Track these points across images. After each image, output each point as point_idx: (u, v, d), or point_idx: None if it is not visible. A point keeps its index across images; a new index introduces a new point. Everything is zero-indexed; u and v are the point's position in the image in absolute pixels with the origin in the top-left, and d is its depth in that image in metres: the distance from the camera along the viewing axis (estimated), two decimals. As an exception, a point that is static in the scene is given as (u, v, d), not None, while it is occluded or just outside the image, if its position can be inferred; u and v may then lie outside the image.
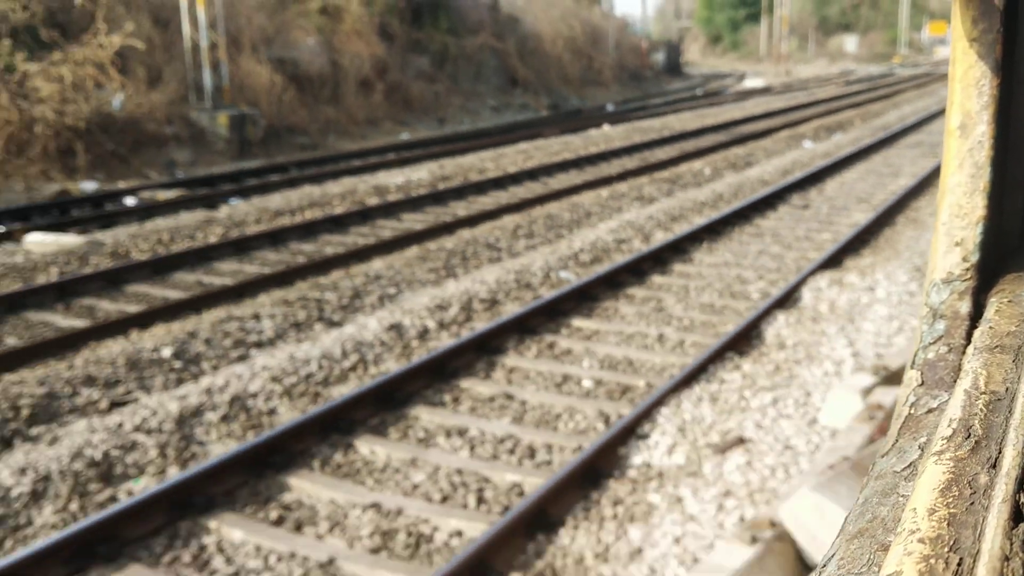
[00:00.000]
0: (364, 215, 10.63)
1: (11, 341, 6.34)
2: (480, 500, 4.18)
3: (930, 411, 0.80)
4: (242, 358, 5.82)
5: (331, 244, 9.39)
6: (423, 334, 6.31)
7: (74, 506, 4.07)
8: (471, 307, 6.87)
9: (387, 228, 10.16)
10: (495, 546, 3.67)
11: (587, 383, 5.52)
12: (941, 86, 32.22)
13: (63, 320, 6.88)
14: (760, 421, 4.68)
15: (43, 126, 13.45)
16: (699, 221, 9.90)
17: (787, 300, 6.91)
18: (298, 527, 3.97)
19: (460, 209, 11.17)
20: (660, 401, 4.96)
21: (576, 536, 3.80)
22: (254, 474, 4.36)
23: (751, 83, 37.97)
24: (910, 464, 0.72)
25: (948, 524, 0.57)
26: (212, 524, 3.95)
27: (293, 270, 7.86)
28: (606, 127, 20.22)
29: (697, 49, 77.98)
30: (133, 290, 7.70)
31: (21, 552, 3.61)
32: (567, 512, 4.00)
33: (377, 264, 8.13)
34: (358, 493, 4.20)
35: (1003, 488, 0.59)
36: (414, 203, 11.36)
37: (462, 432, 4.85)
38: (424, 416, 5.06)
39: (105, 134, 14.37)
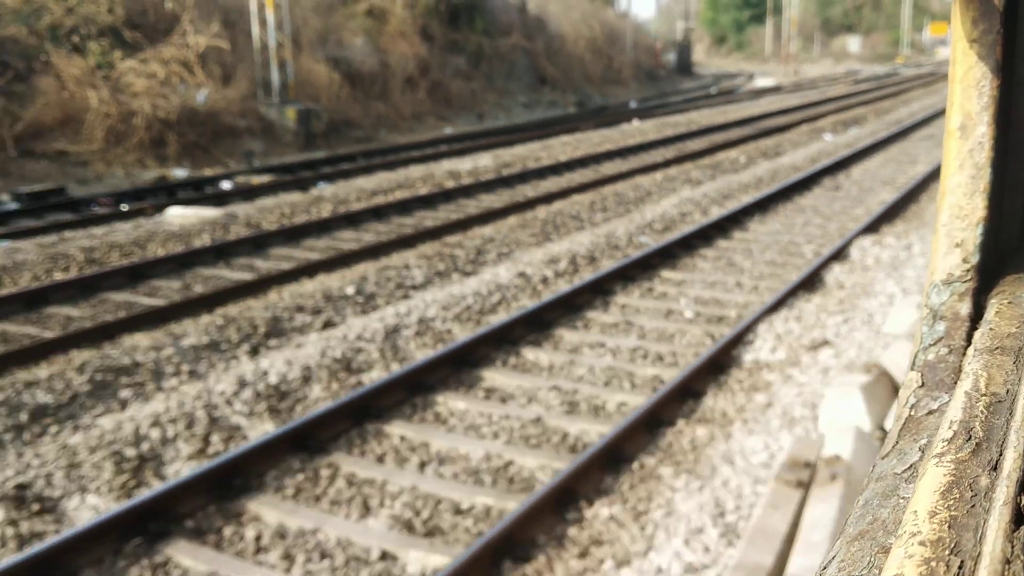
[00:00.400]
0: (446, 195, 12.00)
1: (206, 286, 7.72)
2: (632, 384, 5.55)
3: (930, 413, 0.79)
4: (406, 296, 7.20)
5: (427, 219, 10.77)
6: (544, 280, 7.69)
7: (334, 386, 5.45)
8: (575, 262, 8.26)
9: (469, 206, 11.53)
10: (660, 408, 5.05)
11: (688, 314, 6.90)
12: (945, 85, 33.27)
13: (231, 274, 8.25)
14: (838, 332, 6.07)
15: (140, 118, 14.83)
16: (747, 199, 11.28)
17: (839, 255, 8.30)
18: (503, 400, 5.35)
19: (528, 191, 12.54)
20: (756, 320, 6.35)
21: (716, 401, 5.19)
22: (455, 369, 5.73)
23: (761, 82, 39.39)
24: (910, 466, 0.71)
25: (949, 527, 0.56)
26: (440, 399, 5.32)
27: (417, 234, 9.24)
28: (636, 122, 21.62)
29: (702, 49, 79.26)
30: (276, 252, 9.08)
31: (311, 413, 4.98)
32: (706, 387, 5.38)
33: (487, 230, 9.53)
34: (539, 382, 5.57)
35: (1004, 490, 0.58)
36: (486, 185, 12.73)
37: (602, 344, 6.23)
38: (566, 335, 6.43)
39: (190, 126, 15.75)
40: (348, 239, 9.60)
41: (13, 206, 11.62)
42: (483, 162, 14.69)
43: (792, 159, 14.96)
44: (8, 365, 5.77)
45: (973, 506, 0.59)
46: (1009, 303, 0.92)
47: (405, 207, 11.23)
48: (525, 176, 13.55)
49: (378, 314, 6.58)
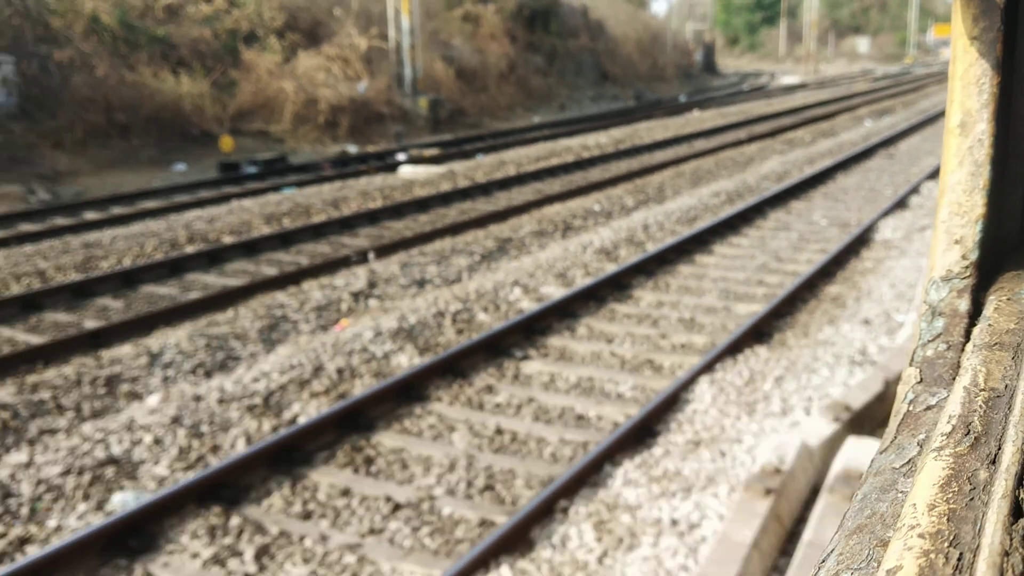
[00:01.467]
0: (589, 162, 15.46)
1: (474, 214, 11.19)
2: (806, 254, 9.02)
3: (929, 408, 0.80)
4: (599, 224, 10.68)
5: (586, 177, 14.23)
6: (710, 206, 11.18)
7: (626, 251, 8.93)
8: (720, 198, 11.74)
9: (607, 171, 14.98)
10: (833, 263, 8.52)
11: (823, 223, 10.38)
12: (956, 82, 37.31)
13: (484, 206, 11.70)
14: (929, 224, 9.59)
15: (323, 104, 18.32)
16: (828, 162, 14.77)
17: (913, 191, 11.80)
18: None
19: (644, 160, 15.99)
20: (876, 220, 9.84)
21: (861, 262, 8.69)
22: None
23: (787, 80, 42.93)
24: (909, 460, 0.72)
25: (948, 519, 0.57)
26: (676, 268, 8.79)
27: (588, 185, 12.70)
28: (696, 112, 25.13)
29: (715, 50, 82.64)
30: (499, 195, 12.53)
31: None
32: (855, 254, 8.87)
33: (636, 182, 13.03)
34: (734, 260, 9.03)
35: (1003, 484, 0.59)
36: (614, 155, 16.19)
37: (774, 237, 9.70)
38: (751, 231, 9.90)
39: (353, 112, 19.23)
40: (546, 188, 13.07)
41: (252, 169, 15.07)
42: (597, 140, 18.19)
43: (847, 137, 18.46)
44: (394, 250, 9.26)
45: (972, 499, 0.59)
46: (1008, 299, 0.93)
47: (564, 169, 14.69)
48: (640, 149, 17.02)
49: (615, 223, 10.07)
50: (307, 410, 5.22)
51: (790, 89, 35.59)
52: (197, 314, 7.05)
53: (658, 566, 3.60)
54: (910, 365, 0.88)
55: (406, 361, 5.98)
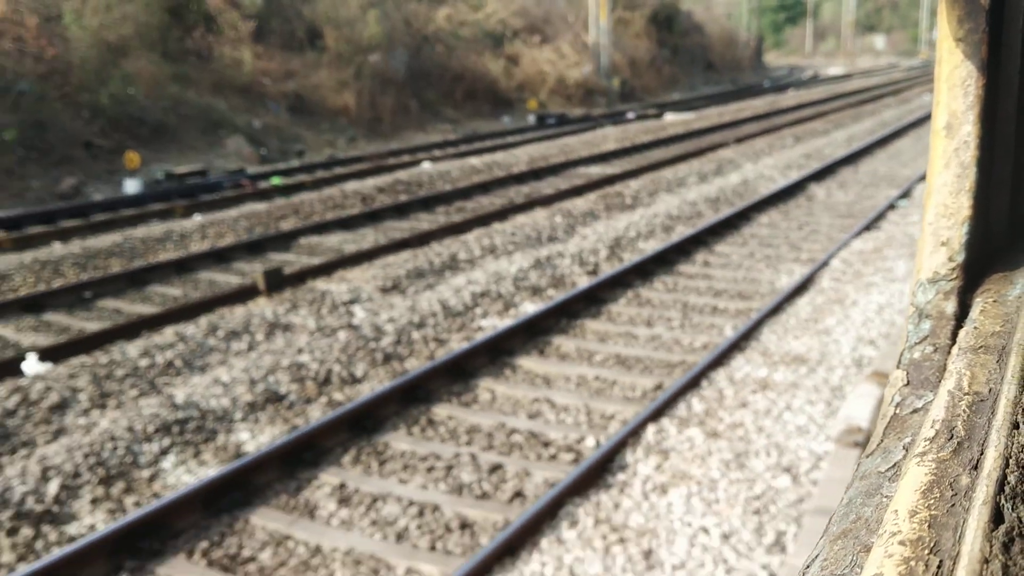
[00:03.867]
0: (755, 119, 25.03)
1: (708, 144, 20.84)
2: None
3: (915, 411, 0.80)
4: (789, 148, 20.28)
5: (750, 127, 23.77)
6: (826, 154, 20.83)
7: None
8: (808, 158, 21.34)
9: (775, 121, 24.50)
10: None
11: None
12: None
13: (710, 138, 21.30)
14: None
15: (570, 81, 27.94)
16: (920, 115, 24.31)
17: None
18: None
19: (775, 122, 25.47)
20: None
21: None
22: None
23: (832, 71, 52.48)
24: (894, 464, 0.72)
25: (929, 526, 0.57)
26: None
27: (763, 131, 22.27)
28: (791, 91, 34.73)
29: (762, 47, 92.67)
30: (711, 136, 22.09)
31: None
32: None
33: (783, 132, 22.72)
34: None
35: (984, 490, 0.59)
36: (763, 116, 25.77)
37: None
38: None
39: (580, 87, 28.84)
40: (738, 133, 22.62)
41: (552, 120, 24.61)
42: (756, 104, 27.84)
43: (917, 104, 28.07)
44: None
45: (953, 505, 0.59)
46: (994, 302, 0.93)
47: (732, 126, 24.25)
48: (781, 113, 26.60)
49: (804, 147, 19.70)
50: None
51: (842, 78, 45.15)
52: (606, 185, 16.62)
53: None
54: (897, 367, 0.88)
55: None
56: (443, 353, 6.47)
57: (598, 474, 4.61)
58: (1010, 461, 0.63)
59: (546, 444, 5.09)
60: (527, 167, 15.56)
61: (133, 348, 6.28)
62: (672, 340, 6.70)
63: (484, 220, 10.91)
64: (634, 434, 4.99)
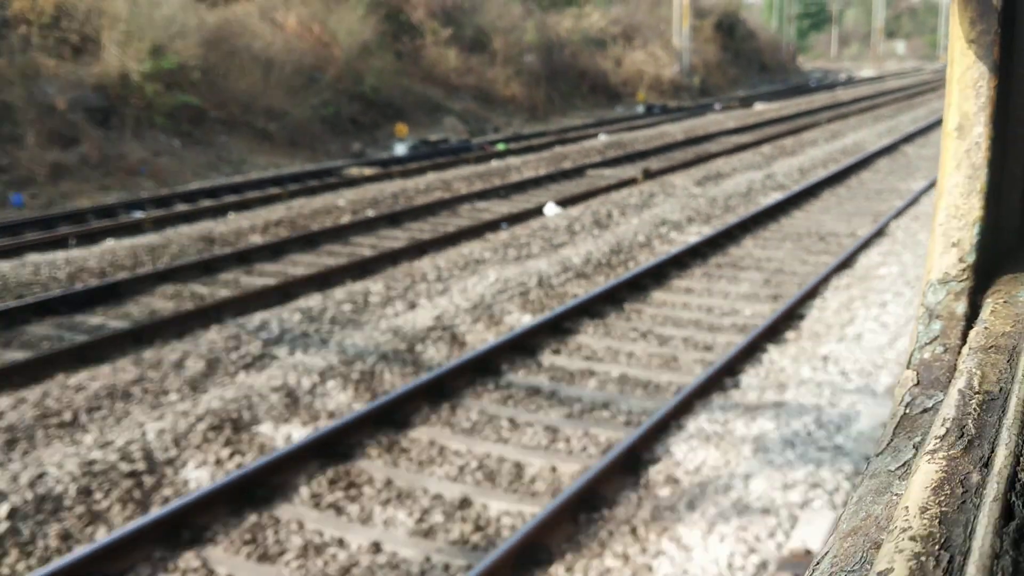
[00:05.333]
0: (817, 110, 30.47)
1: (799, 125, 26.39)
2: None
3: (925, 411, 0.81)
4: (866, 127, 25.78)
5: (828, 113, 29.25)
6: (894, 129, 26.34)
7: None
8: (890, 132, 26.84)
9: (850, 112, 29.94)
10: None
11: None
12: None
13: (798, 122, 26.82)
14: None
15: (649, 79, 33.53)
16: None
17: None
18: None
19: (844, 110, 30.92)
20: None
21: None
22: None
23: (865, 73, 57.94)
24: (904, 463, 0.73)
25: (939, 522, 0.58)
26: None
27: (849, 112, 27.77)
28: (839, 90, 40.24)
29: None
30: (801, 119, 27.58)
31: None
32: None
33: (858, 117, 28.26)
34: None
35: (994, 487, 0.60)
36: (829, 108, 31.23)
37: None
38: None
39: (671, 83, 34.40)
40: (823, 116, 28.09)
41: (657, 110, 30.11)
42: (819, 97, 33.38)
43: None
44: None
45: (964, 502, 0.60)
46: (1004, 302, 0.93)
47: (808, 113, 29.72)
48: (845, 104, 32.05)
49: (880, 127, 25.22)
50: (869, 145, 20.41)
51: (877, 79, 50.63)
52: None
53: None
54: (907, 367, 0.89)
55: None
56: (707, 230, 12.02)
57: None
58: (1020, 459, 0.63)
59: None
60: (684, 136, 21.08)
61: (598, 203, 11.97)
62: (865, 205, 12.31)
63: (704, 159, 16.55)
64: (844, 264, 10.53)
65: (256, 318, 7.06)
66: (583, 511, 4.35)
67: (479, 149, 19.70)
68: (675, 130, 22.73)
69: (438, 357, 6.45)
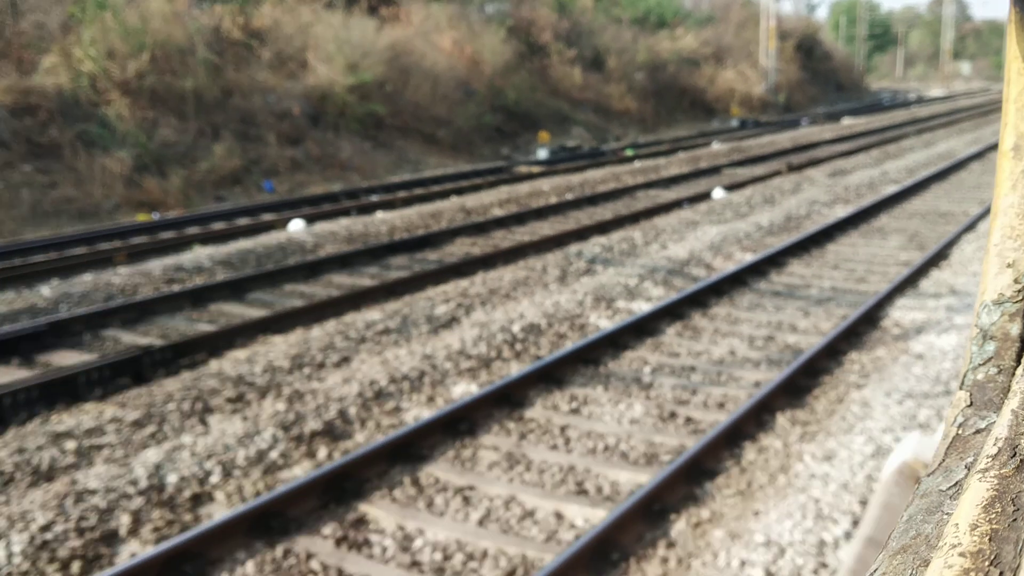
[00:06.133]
0: (901, 125, 33.05)
1: (887, 137, 29.05)
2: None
3: (978, 432, 0.80)
4: (947, 139, 28.35)
5: (911, 127, 31.78)
6: (968, 146, 28.91)
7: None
8: (975, 142, 29.46)
9: (912, 129, 32.48)
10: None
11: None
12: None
13: (884, 135, 29.48)
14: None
15: (739, 96, 36.40)
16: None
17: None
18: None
19: (925, 125, 33.43)
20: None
21: None
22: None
23: (934, 92, 60.02)
24: (955, 483, 0.72)
25: (990, 539, 0.58)
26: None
27: (896, 137, 30.35)
28: (914, 107, 42.68)
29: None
30: (888, 133, 30.23)
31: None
32: None
33: (935, 132, 30.84)
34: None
35: None
36: (910, 123, 33.79)
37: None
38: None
39: (759, 100, 37.23)
40: (909, 129, 30.68)
41: (751, 124, 32.96)
42: (900, 114, 35.97)
43: None
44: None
45: (1015, 520, 0.60)
46: None
47: (903, 125, 32.30)
48: (924, 120, 34.57)
49: (959, 140, 27.81)
50: (957, 153, 23.11)
51: (948, 98, 52.80)
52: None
53: None
54: (960, 388, 0.89)
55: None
56: (851, 208, 14.90)
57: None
58: None
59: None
60: (792, 144, 23.95)
61: (761, 188, 14.95)
62: (969, 195, 15.11)
63: (822, 160, 19.49)
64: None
65: (572, 249, 10.25)
66: (856, 335, 7.43)
67: (612, 154, 22.81)
68: (782, 139, 25.62)
69: (702, 275, 9.53)
